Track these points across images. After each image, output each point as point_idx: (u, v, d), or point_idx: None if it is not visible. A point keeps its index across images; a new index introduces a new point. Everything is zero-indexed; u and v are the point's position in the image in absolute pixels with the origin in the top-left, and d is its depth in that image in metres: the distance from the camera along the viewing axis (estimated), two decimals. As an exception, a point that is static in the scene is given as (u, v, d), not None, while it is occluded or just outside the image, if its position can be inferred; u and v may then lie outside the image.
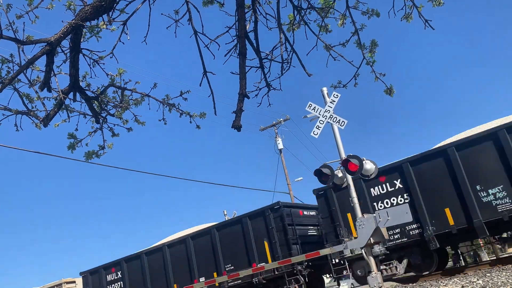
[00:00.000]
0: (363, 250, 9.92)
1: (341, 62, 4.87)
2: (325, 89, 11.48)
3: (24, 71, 4.00)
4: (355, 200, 10.33)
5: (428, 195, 12.03)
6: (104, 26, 3.89)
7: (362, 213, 10.08)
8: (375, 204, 12.88)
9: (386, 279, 11.99)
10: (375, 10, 4.71)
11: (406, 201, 12.09)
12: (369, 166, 10.24)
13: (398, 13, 4.66)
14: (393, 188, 12.61)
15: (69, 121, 4.60)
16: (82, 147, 4.81)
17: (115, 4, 3.83)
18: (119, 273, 16.86)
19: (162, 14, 4.26)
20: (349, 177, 10.43)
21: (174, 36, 4.28)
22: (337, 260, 13.55)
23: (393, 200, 12.48)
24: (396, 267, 12.69)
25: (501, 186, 11.08)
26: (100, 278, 17.36)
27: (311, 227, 15.59)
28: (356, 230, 10.30)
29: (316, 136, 10.77)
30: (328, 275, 15.11)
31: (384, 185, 12.74)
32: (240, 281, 13.83)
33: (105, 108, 4.75)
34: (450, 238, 12.25)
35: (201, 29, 4.16)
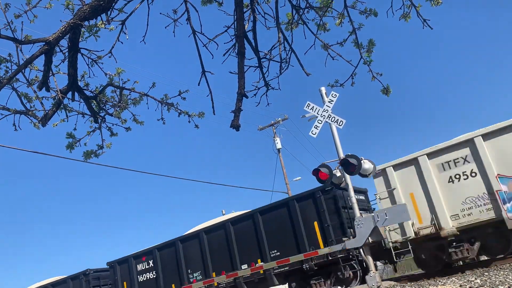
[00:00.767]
0: (361, 250, 9.95)
1: (340, 61, 4.88)
2: (323, 89, 11.50)
3: (23, 71, 4.00)
4: (354, 199, 10.36)
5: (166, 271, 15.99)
6: (103, 25, 3.89)
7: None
8: (139, 276, 16.60)
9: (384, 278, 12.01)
10: (373, 9, 4.72)
11: (154, 276, 16.02)
12: (367, 165, 10.26)
13: (397, 12, 4.67)
14: (148, 266, 16.45)
15: (67, 121, 4.59)
16: (80, 146, 4.82)
17: (114, 4, 3.83)
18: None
19: (160, 13, 4.27)
20: (348, 177, 10.46)
21: (173, 36, 4.28)
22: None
23: (149, 274, 16.36)
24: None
25: None
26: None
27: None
28: (355, 229, 10.32)
29: (315, 136, 10.79)
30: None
31: (145, 263, 16.64)
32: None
33: (104, 107, 4.75)
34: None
35: (200, 28, 4.17)
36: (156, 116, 4.90)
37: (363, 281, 11.64)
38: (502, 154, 10.93)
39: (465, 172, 11.37)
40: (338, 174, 10.75)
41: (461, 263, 13.02)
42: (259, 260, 13.66)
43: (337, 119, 10.72)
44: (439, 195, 11.37)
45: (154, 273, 16.28)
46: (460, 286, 8.19)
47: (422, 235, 10.94)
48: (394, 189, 11.80)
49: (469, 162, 11.28)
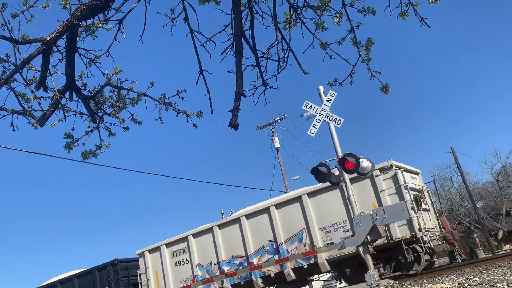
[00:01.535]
0: (360, 248, 9.96)
1: (338, 60, 4.88)
2: (321, 88, 11.50)
3: (20, 71, 3.99)
4: (352, 198, 10.36)
5: None
6: (100, 25, 3.88)
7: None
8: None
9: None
10: (371, 8, 4.72)
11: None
12: (365, 164, 10.27)
13: (394, 11, 4.67)
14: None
15: (65, 121, 4.58)
16: (79, 147, 4.80)
17: (111, 3, 3.82)
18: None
19: (158, 12, 4.26)
20: (346, 176, 10.46)
21: (171, 35, 4.27)
22: None
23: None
24: None
25: None
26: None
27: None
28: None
29: (313, 135, 10.79)
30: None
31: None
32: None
33: (102, 107, 4.74)
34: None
35: (197, 27, 4.16)
36: (154, 116, 4.89)
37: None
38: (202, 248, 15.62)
39: (184, 259, 16.00)
40: (337, 173, 10.75)
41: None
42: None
43: (336, 118, 10.72)
44: (169, 275, 16.07)
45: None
46: (459, 284, 8.20)
47: None
48: (147, 267, 16.61)
49: (186, 253, 15.93)
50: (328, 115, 10.79)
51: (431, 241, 12.48)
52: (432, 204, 14.72)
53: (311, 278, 15.86)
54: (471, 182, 49.19)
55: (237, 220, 15.08)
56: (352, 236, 9.97)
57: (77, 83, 4.31)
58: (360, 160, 10.17)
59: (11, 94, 4.35)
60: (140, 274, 16.95)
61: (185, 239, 16.26)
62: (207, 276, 15.31)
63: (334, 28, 4.93)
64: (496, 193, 50.14)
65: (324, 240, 12.86)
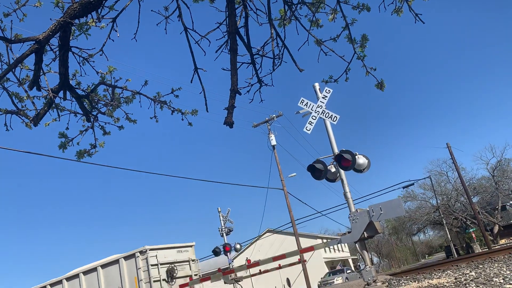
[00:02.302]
0: (357, 244, 9.98)
1: (334, 57, 4.87)
2: (317, 85, 11.49)
3: (13, 70, 3.95)
4: (349, 195, 10.37)
5: None
6: (93, 23, 3.85)
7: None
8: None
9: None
10: (365, 4, 4.70)
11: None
12: (361, 160, 10.28)
13: (389, 7, 4.66)
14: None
15: (59, 120, 4.55)
16: (73, 146, 4.77)
17: (104, 1, 3.79)
18: None
19: (152, 10, 4.23)
20: (342, 172, 10.47)
21: (165, 33, 4.24)
22: None
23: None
24: None
25: None
26: None
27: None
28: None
29: (309, 132, 10.78)
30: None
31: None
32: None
33: (96, 106, 4.71)
34: None
35: (191, 25, 4.13)
36: (149, 114, 4.87)
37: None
38: None
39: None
40: (333, 169, 10.76)
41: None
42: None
43: (331, 115, 10.72)
44: None
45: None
46: (455, 279, 8.23)
47: None
48: None
49: None
50: (324, 112, 10.79)
51: None
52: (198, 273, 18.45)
53: None
54: (467, 177, 49.49)
55: None
56: (349, 232, 9.98)
57: (71, 82, 4.28)
58: (356, 156, 10.18)
59: (4, 93, 4.31)
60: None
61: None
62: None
63: (329, 25, 4.92)
64: (491, 188, 50.41)
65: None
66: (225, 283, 19.40)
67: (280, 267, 19.95)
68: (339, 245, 61.72)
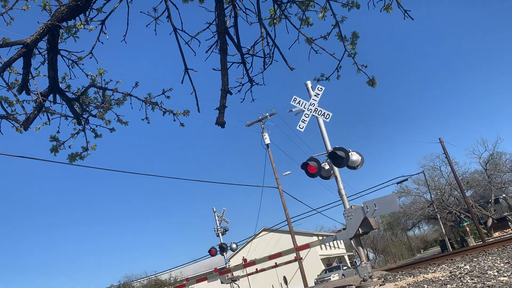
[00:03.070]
0: (352, 241, 10.01)
1: (325, 55, 4.87)
2: (309, 83, 11.51)
3: (1, 74, 3.91)
4: (343, 191, 10.40)
5: None
6: (82, 26, 3.82)
7: (350, 204, 10.15)
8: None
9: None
10: (355, 1, 4.71)
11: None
12: (355, 157, 10.32)
13: (378, 4, 4.67)
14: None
15: (49, 124, 4.52)
16: (65, 149, 4.74)
17: (92, 3, 3.76)
18: None
19: (141, 12, 4.21)
20: (336, 169, 10.50)
21: (154, 34, 4.22)
22: None
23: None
24: None
25: None
26: None
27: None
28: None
29: (302, 130, 10.80)
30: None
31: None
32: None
33: (87, 109, 4.68)
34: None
35: (181, 26, 4.12)
36: (140, 116, 4.85)
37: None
38: None
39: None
40: (327, 167, 10.78)
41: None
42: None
43: (324, 112, 10.74)
44: None
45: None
46: (450, 272, 8.29)
47: None
48: None
49: None
50: (316, 109, 10.81)
51: None
52: None
53: None
54: (460, 171, 49.87)
55: None
56: (344, 229, 10.01)
57: (60, 85, 4.24)
58: (350, 153, 10.21)
59: (-7, 98, 4.27)
60: None
61: None
62: None
63: (319, 23, 4.93)
64: (484, 181, 50.82)
65: None
66: (222, 282, 19.42)
67: (276, 266, 20.00)
68: (334, 242, 61.93)
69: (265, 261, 13.11)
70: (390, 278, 10.50)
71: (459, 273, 7.77)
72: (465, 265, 9.31)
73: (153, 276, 41.80)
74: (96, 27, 4.05)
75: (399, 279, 9.70)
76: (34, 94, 4.00)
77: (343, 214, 9.99)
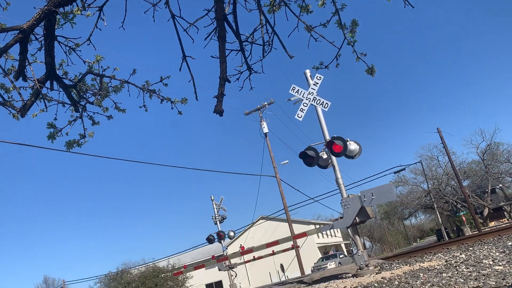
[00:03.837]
0: (349, 230, 10.07)
1: (324, 44, 4.83)
2: (308, 72, 11.45)
3: (-3, 60, 3.88)
4: (340, 181, 10.43)
5: None
6: (79, 12, 3.77)
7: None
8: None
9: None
10: (355, -11, 4.66)
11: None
12: (353, 147, 10.32)
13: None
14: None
15: (47, 111, 4.49)
16: (62, 136, 4.72)
17: (89, -11, 3.71)
18: None
19: (138, -2, 4.15)
20: (334, 159, 10.50)
21: (153, 21, 4.17)
22: None
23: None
24: None
25: None
26: None
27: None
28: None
29: (300, 119, 10.78)
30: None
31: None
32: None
33: (84, 96, 4.65)
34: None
35: (179, 12, 4.07)
36: (138, 103, 4.82)
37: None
38: None
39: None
40: (325, 156, 10.79)
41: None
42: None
43: (322, 102, 10.71)
44: None
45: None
46: (446, 261, 8.36)
47: None
48: None
49: None
50: (315, 98, 10.77)
51: None
52: None
53: None
54: (457, 161, 50.06)
55: None
56: (341, 218, 10.06)
57: (57, 72, 4.21)
58: (348, 142, 10.21)
59: (-10, 85, 4.24)
60: None
61: None
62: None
63: (319, 10, 4.87)
64: (481, 171, 51.04)
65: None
66: (219, 270, 19.56)
67: (273, 253, 20.15)
68: (331, 230, 62.30)
69: (262, 249, 13.19)
70: (386, 266, 10.59)
71: (455, 262, 7.84)
72: (460, 254, 9.38)
73: (151, 263, 42.07)
74: (93, 13, 4.01)
75: (395, 267, 9.79)
76: (31, 80, 3.97)
77: (341, 203, 10.03)
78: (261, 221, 56.04)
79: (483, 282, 5.02)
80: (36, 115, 4.54)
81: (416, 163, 52.54)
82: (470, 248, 10.45)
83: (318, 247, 55.40)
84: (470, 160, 55.27)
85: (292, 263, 48.39)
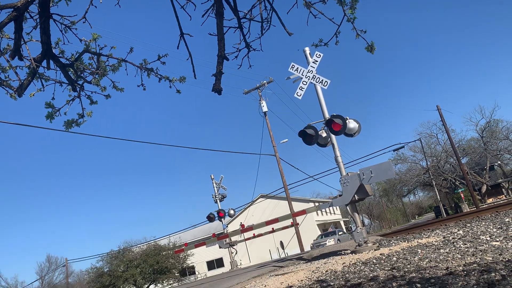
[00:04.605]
0: (348, 207, 10.15)
1: (324, 21, 4.76)
2: (307, 49, 11.34)
3: (-7, 39, 3.82)
4: (340, 159, 10.45)
5: None
6: (73, -12, 3.70)
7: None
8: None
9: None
10: (355, -36, 4.56)
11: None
12: (352, 125, 10.31)
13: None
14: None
15: (44, 90, 4.45)
16: (60, 116, 4.70)
17: (84, -35, 3.63)
18: None
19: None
20: (333, 137, 10.51)
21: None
22: None
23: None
24: None
25: None
26: None
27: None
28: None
29: (300, 97, 10.72)
30: None
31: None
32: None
33: (81, 75, 4.60)
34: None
35: (176, -11, 3.98)
36: (136, 82, 4.79)
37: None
38: None
39: None
40: (324, 134, 10.79)
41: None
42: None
43: (322, 80, 10.64)
44: None
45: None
46: (444, 237, 8.46)
47: None
48: None
49: None
50: (314, 77, 10.70)
51: None
52: None
53: None
54: (456, 139, 50.15)
55: None
56: (340, 196, 10.13)
57: (54, 50, 4.15)
58: (347, 121, 10.20)
59: (-15, 64, 4.19)
60: None
61: None
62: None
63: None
64: (480, 148, 51.18)
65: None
66: (220, 247, 19.81)
67: (273, 231, 20.36)
68: (330, 208, 62.81)
69: (262, 227, 13.32)
70: (384, 243, 10.73)
71: (452, 238, 7.93)
72: (458, 230, 9.49)
73: (152, 241, 42.58)
74: (88, -10, 3.93)
75: (393, 244, 9.91)
76: (27, 59, 3.93)
77: (340, 181, 10.08)
78: (261, 199, 56.47)
79: (480, 258, 5.09)
80: (33, 95, 4.50)
81: (415, 140, 52.66)
82: (468, 225, 10.56)
83: (317, 225, 56.02)
84: (469, 138, 55.41)
85: (292, 240, 49.01)
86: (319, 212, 58.87)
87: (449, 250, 6.37)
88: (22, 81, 4.06)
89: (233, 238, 24.31)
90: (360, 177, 9.65)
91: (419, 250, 7.08)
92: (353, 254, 9.23)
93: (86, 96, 4.68)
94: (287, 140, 37.03)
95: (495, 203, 30.99)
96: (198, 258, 55.01)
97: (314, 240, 40.63)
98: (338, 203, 10.24)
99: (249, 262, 53.37)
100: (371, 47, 4.97)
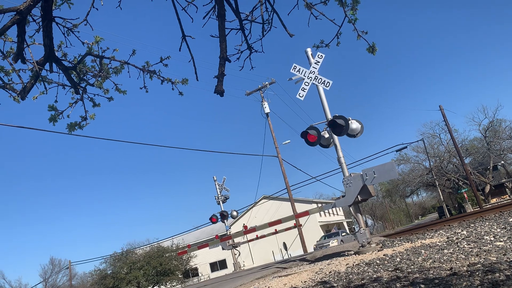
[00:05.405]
0: (351, 208, 10.14)
1: (325, 22, 4.77)
2: (309, 50, 11.34)
3: (-4, 43, 3.84)
4: (342, 159, 10.44)
5: None
6: (76, -9, 3.71)
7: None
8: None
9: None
10: (356, -36, 4.56)
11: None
12: (355, 125, 10.30)
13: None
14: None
15: (47, 93, 4.47)
16: (63, 119, 4.71)
17: (86, -32, 3.64)
18: None
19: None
20: (336, 138, 10.50)
21: (150, 0, 4.10)
22: None
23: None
24: None
25: None
26: None
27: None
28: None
29: (302, 98, 10.73)
30: None
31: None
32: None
33: (84, 78, 4.62)
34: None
35: (178, -9, 4.00)
36: (139, 85, 4.79)
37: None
38: None
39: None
40: (326, 135, 10.78)
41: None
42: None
43: (324, 80, 10.64)
44: None
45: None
46: (448, 238, 8.43)
47: None
48: None
49: None
50: (316, 77, 10.70)
51: None
52: None
53: None
54: (459, 139, 49.98)
55: None
56: (343, 196, 10.11)
57: (56, 53, 4.17)
58: (350, 121, 10.19)
59: (-11, 68, 4.21)
60: None
61: None
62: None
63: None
64: (483, 148, 51.02)
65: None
66: (223, 249, 19.80)
67: (276, 232, 20.36)
68: (333, 209, 62.72)
69: (265, 228, 13.32)
70: (388, 244, 10.70)
71: (456, 239, 7.91)
72: (462, 230, 9.46)
73: (155, 243, 42.62)
74: (90, -7, 3.94)
75: (397, 244, 9.89)
76: (30, 63, 3.95)
77: (343, 182, 10.07)
78: (263, 200, 56.44)
79: (484, 258, 5.08)
80: (36, 98, 4.52)
81: (418, 141, 52.56)
82: (472, 225, 10.53)
83: (320, 226, 55.94)
84: (472, 137, 55.25)
85: (295, 241, 48.95)
86: (322, 213, 58.80)
87: (452, 250, 6.35)
88: (25, 84, 4.07)
89: (236, 240, 24.28)
90: (363, 178, 9.64)
91: (423, 251, 7.06)
92: (357, 255, 9.21)
93: (89, 98, 4.69)
94: (289, 141, 37.04)
95: (499, 203, 30.88)
96: (201, 259, 55.02)
97: (317, 241, 40.57)
98: (341, 204, 10.23)
99: (252, 263, 53.33)
100: (372, 48, 4.97)
